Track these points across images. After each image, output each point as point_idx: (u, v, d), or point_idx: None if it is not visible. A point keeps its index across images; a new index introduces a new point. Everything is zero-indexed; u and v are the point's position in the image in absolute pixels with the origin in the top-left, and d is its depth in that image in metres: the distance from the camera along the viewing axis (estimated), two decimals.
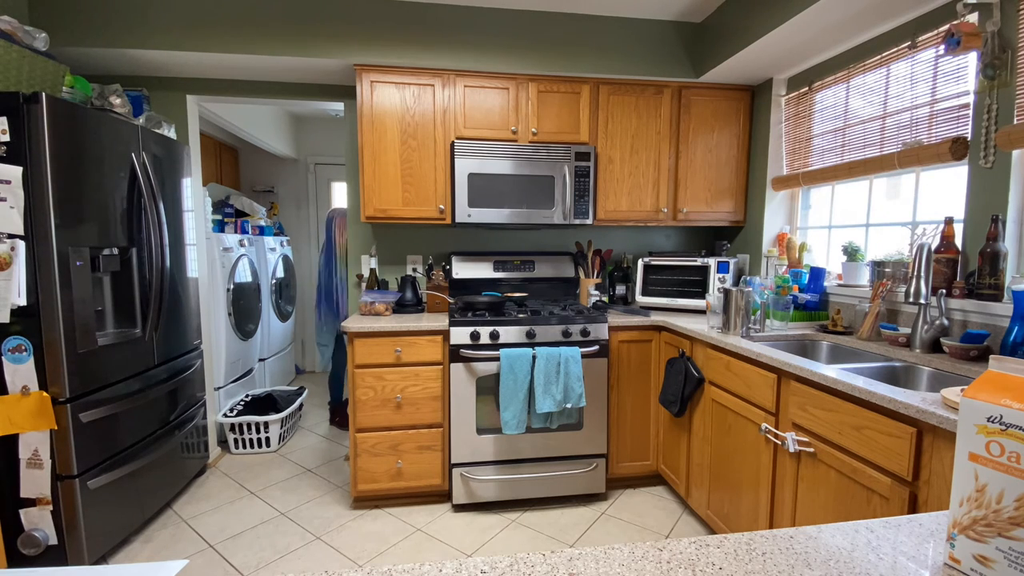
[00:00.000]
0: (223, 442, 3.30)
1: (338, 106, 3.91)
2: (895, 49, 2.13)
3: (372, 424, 2.45)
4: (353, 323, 2.43)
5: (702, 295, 2.76)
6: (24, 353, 1.84)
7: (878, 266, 2.14)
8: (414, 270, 3.08)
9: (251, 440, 3.22)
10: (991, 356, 0.61)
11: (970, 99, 1.82)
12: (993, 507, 0.55)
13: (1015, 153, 1.68)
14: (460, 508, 2.55)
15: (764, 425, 1.83)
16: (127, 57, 2.55)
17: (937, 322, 1.78)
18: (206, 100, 3.01)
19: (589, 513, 2.52)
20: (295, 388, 3.78)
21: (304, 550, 2.21)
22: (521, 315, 2.51)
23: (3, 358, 1.82)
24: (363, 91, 2.60)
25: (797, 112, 2.73)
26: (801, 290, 2.48)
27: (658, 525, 2.41)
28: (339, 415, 3.72)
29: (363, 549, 2.22)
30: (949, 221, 1.85)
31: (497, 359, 2.44)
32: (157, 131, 2.51)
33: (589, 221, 2.77)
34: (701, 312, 2.80)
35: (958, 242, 1.86)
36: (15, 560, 1.89)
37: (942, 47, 1.81)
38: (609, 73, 2.77)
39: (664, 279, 2.90)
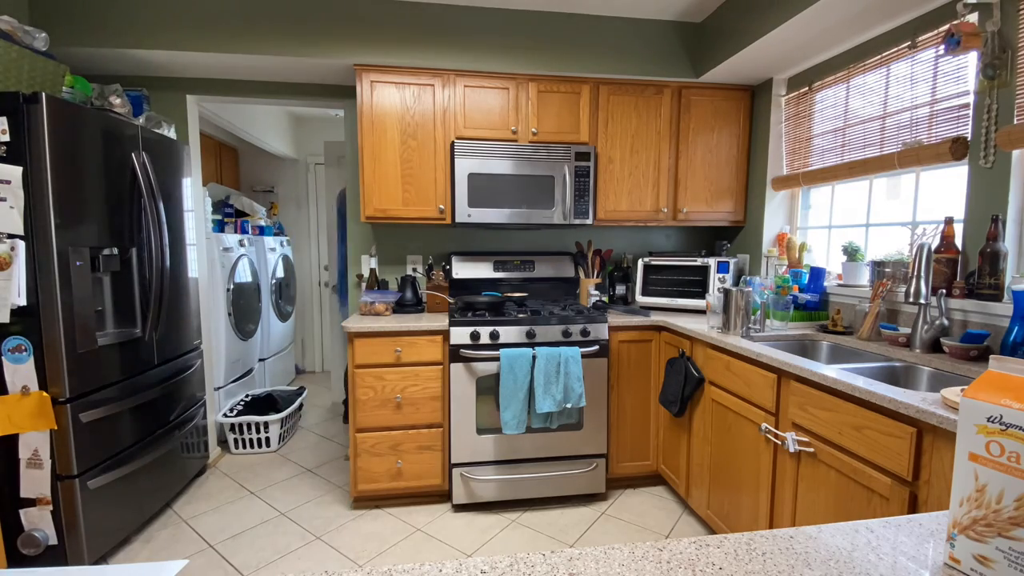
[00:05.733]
0: (223, 442, 3.30)
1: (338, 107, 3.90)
2: (895, 49, 2.13)
3: (372, 424, 2.45)
4: (353, 323, 2.43)
5: (702, 295, 2.76)
6: (24, 353, 1.84)
7: (878, 266, 2.14)
8: (414, 270, 3.08)
9: (251, 440, 3.22)
10: (991, 356, 0.61)
11: (970, 99, 1.82)
12: (993, 507, 0.55)
13: (1015, 153, 1.67)
14: (460, 508, 2.55)
15: (764, 425, 1.83)
16: (127, 57, 2.55)
17: (937, 322, 1.78)
18: (206, 100, 3.00)
19: (589, 513, 2.52)
20: (295, 388, 3.78)
21: (304, 550, 2.21)
22: (521, 315, 2.51)
23: (3, 358, 1.82)
24: (363, 91, 2.60)
25: (797, 112, 2.73)
26: (801, 290, 2.48)
27: (658, 525, 2.41)
28: None
29: (363, 549, 2.22)
30: (949, 221, 1.85)
31: (497, 359, 2.44)
32: (157, 131, 2.50)
33: (589, 221, 2.77)
34: (701, 312, 2.80)
35: (958, 242, 1.86)
36: (15, 560, 1.89)
37: (942, 47, 1.81)
38: (609, 73, 2.77)
39: (664, 279, 2.90)
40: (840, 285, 2.37)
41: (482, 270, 3.00)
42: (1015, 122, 1.66)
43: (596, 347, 2.51)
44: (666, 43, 2.82)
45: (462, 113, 2.69)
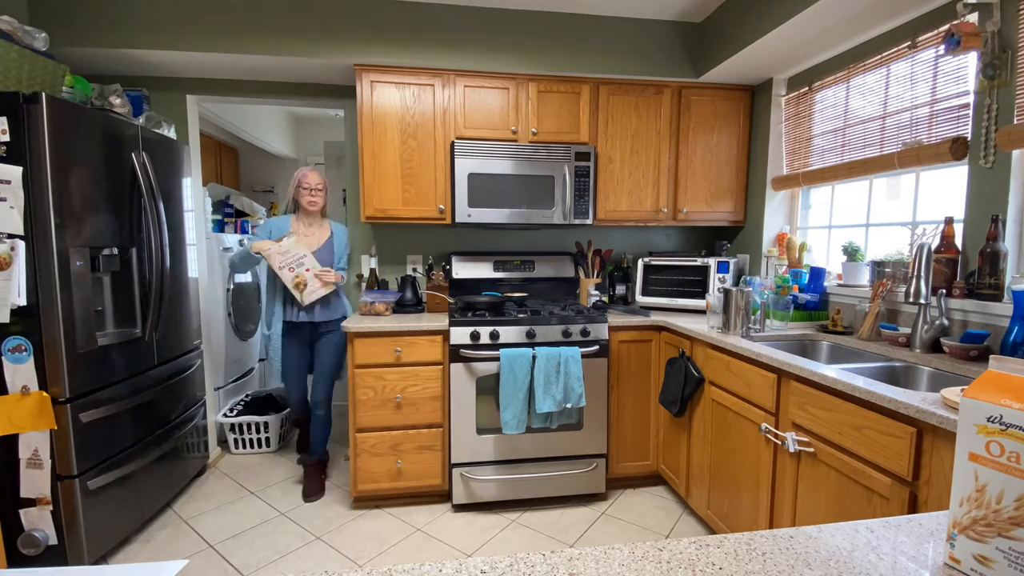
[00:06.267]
0: (223, 442, 3.30)
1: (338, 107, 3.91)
2: (895, 49, 2.13)
3: (372, 424, 2.45)
4: (353, 323, 2.43)
5: (702, 295, 2.76)
6: (24, 353, 1.84)
7: (878, 266, 2.14)
8: (414, 270, 3.07)
9: (251, 440, 3.22)
10: (991, 356, 0.61)
11: (970, 99, 1.82)
12: (993, 507, 0.55)
13: (1015, 153, 1.67)
14: (460, 508, 2.55)
15: (764, 425, 1.83)
16: (127, 57, 2.55)
17: (937, 322, 1.78)
18: (206, 100, 3.00)
19: (589, 513, 2.52)
20: None
21: (304, 550, 2.21)
22: (521, 315, 2.51)
23: (3, 358, 1.82)
24: (363, 91, 2.60)
25: (797, 112, 2.73)
26: (801, 290, 2.48)
27: (658, 525, 2.41)
28: (308, 438, 2.84)
29: (363, 549, 2.22)
30: (949, 221, 1.85)
31: (497, 359, 2.44)
32: (157, 131, 2.50)
33: (589, 221, 2.77)
34: (701, 312, 2.79)
35: (958, 242, 1.86)
36: (15, 560, 1.89)
37: (942, 47, 1.81)
38: (609, 73, 2.77)
39: (664, 279, 2.90)
40: (840, 285, 2.37)
41: (482, 270, 3.00)
42: (1015, 122, 1.66)
43: (596, 347, 2.51)
44: (666, 43, 2.82)
45: (462, 113, 2.69)
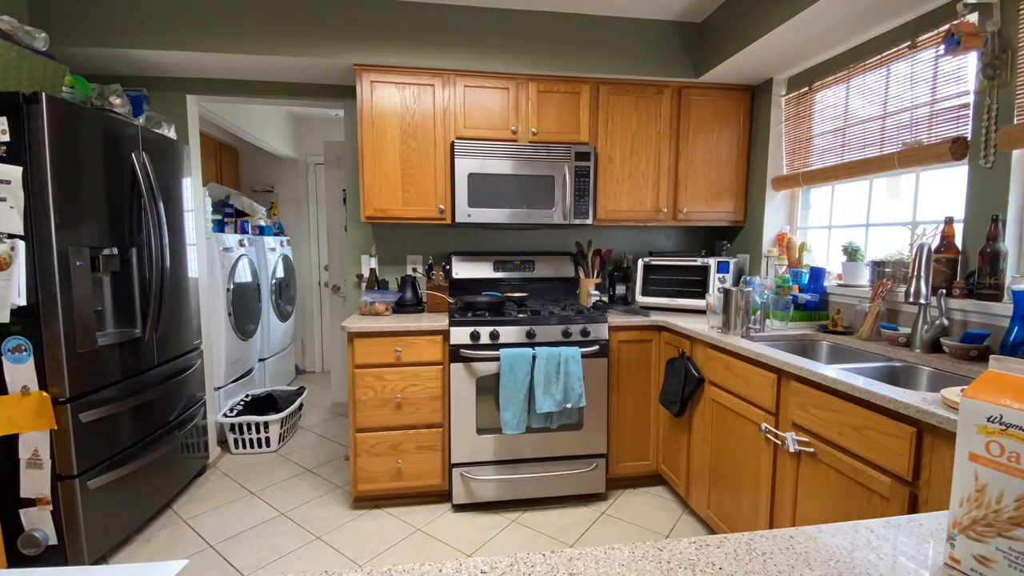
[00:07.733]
0: (223, 442, 3.30)
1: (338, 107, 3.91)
2: (895, 49, 2.13)
3: (372, 424, 2.45)
4: (353, 323, 2.43)
5: (702, 295, 2.76)
6: (24, 353, 1.84)
7: (878, 266, 2.14)
8: (414, 270, 3.07)
9: (251, 440, 3.22)
10: (991, 356, 0.61)
11: (970, 99, 1.82)
12: (993, 507, 0.55)
13: (1015, 153, 1.67)
14: (460, 508, 2.55)
15: (764, 425, 1.83)
16: (127, 57, 2.55)
17: (937, 322, 1.78)
18: (206, 100, 3.00)
19: (589, 513, 2.52)
20: (295, 388, 3.78)
21: (304, 550, 2.21)
22: (521, 315, 2.51)
23: (3, 358, 1.82)
24: (363, 91, 2.60)
25: (797, 112, 2.73)
26: (801, 290, 2.48)
27: (658, 525, 2.41)
28: None
29: (363, 549, 2.22)
30: (949, 221, 1.85)
31: (497, 359, 2.44)
32: (157, 131, 2.50)
33: (589, 221, 2.77)
34: (701, 312, 2.79)
35: (958, 242, 1.86)
36: (15, 560, 1.89)
37: (942, 47, 1.81)
38: (609, 73, 2.77)
39: (664, 279, 2.90)
40: (840, 285, 2.37)
41: (482, 270, 3.00)
42: (1015, 122, 1.66)
43: (596, 347, 2.51)
44: (666, 43, 2.82)
45: (462, 113, 2.69)
